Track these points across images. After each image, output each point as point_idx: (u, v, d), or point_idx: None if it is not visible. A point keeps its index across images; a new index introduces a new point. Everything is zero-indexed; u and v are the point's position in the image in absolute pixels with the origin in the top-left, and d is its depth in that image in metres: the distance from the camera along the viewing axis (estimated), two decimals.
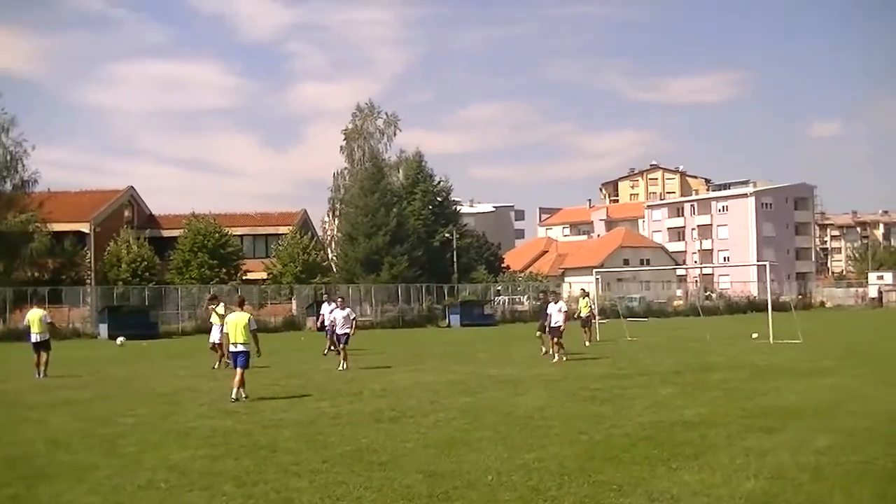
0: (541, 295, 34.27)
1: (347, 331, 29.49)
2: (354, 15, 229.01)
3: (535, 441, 14.03)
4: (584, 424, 15.61)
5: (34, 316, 29.08)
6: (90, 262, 78.61)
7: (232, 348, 21.26)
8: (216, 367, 29.84)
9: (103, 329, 59.82)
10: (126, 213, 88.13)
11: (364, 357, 33.41)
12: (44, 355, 28.47)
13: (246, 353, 20.94)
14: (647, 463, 12.23)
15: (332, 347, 33.31)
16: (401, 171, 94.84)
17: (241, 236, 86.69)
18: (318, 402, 19.75)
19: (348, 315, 29.87)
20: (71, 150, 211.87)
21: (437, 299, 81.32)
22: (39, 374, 27.92)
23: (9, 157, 70.64)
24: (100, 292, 70.07)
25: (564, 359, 30.41)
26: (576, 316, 41.54)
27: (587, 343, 39.45)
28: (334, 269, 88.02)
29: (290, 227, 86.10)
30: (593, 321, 42.43)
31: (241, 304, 22.20)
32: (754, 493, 10.50)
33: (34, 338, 28.69)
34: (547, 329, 32.03)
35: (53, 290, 66.89)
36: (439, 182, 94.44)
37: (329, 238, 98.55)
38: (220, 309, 30.91)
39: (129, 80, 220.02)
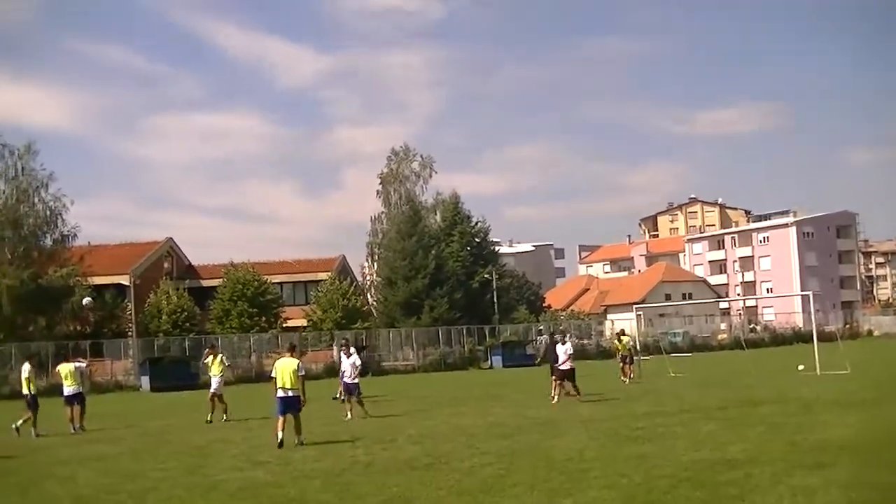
0: (548, 337, 33.39)
1: (357, 381, 28.35)
2: (386, 59, 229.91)
3: (573, 485, 13.46)
4: (623, 466, 15.02)
5: (65, 369, 29.02)
6: (131, 314, 78.74)
7: (281, 393, 21.16)
8: (209, 419, 29.19)
9: (145, 381, 59.70)
10: (165, 265, 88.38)
11: (399, 403, 32.94)
12: (77, 408, 28.38)
13: (298, 398, 21.14)
14: None
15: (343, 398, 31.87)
16: (438, 213, 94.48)
17: (281, 284, 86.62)
18: (353, 450, 19.26)
19: (354, 362, 28.37)
20: (112, 203, 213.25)
21: (478, 341, 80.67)
22: (74, 428, 27.74)
23: (48, 213, 70.89)
24: (141, 344, 69.94)
25: (575, 397, 30.22)
26: (619, 356, 42.33)
27: (627, 381, 38.91)
28: (374, 314, 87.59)
29: (329, 273, 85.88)
30: (635, 358, 41.77)
31: (291, 350, 22.41)
32: None
33: (67, 391, 28.57)
34: (553, 371, 31.45)
35: (95, 344, 66.98)
36: (477, 223, 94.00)
37: (368, 283, 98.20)
38: (216, 360, 30.70)
39: (169, 132, 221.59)
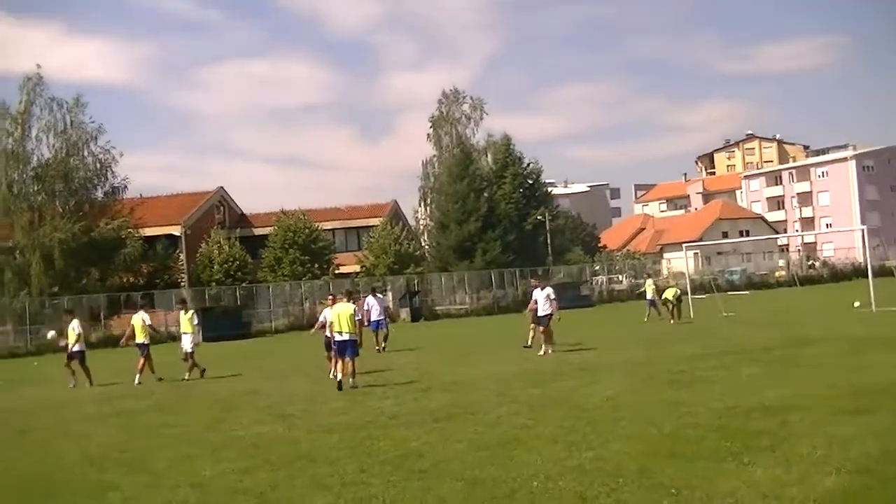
0: (533, 281, 31.63)
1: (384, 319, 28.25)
2: (439, 2, 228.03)
3: (597, 436, 12.79)
4: (654, 414, 14.30)
5: (137, 321, 29.07)
6: (183, 264, 78.88)
7: (337, 336, 21.99)
8: (187, 377, 28.09)
9: (199, 331, 59.55)
10: (217, 214, 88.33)
11: (445, 348, 32.49)
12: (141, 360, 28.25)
13: (354, 342, 21.93)
14: (716, 458, 10.92)
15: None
16: (489, 155, 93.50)
17: (333, 230, 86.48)
18: (382, 401, 18.71)
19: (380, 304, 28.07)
20: (166, 154, 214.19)
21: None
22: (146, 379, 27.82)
23: (98, 165, 70.88)
24: (193, 294, 70.06)
25: (550, 351, 27.53)
26: (647, 297, 43.31)
27: (672, 321, 38.30)
28: (428, 259, 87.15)
29: (381, 219, 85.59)
30: (683, 298, 41.06)
31: (347, 296, 23.58)
32: (833, 492, 9.15)
33: (139, 342, 28.76)
34: (532, 318, 29.30)
35: (147, 295, 67.11)
36: (529, 164, 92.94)
37: (422, 227, 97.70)
38: (190, 316, 29.13)
39: (222, 81, 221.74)
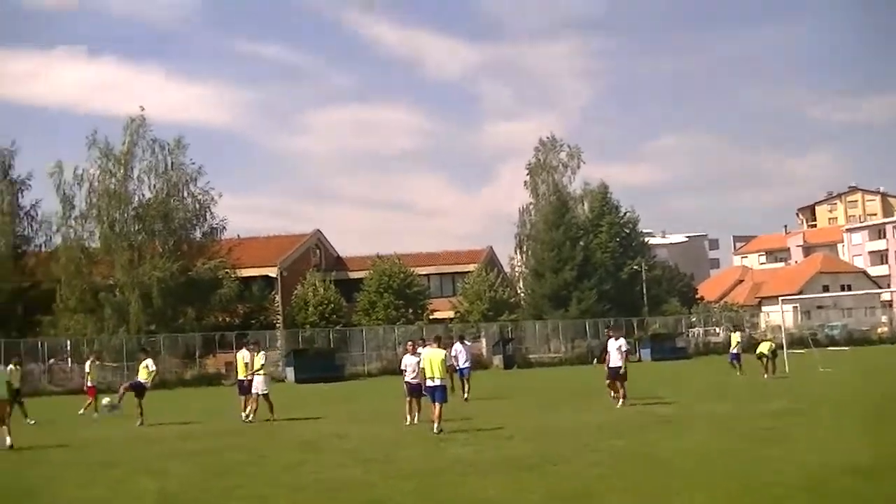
0: (607, 332, 30.43)
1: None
2: (539, 50, 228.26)
3: (674, 491, 12.39)
4: (737, 469, 13.89)
5: (241, 358, 28.79)
6: (278, 306, 79.49)
7: (429, 383, 22.24)
8: (250, 418, 27.43)
9: (290, 372, 59.96)
10: (313, 257, 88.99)
11: (536, 396, 32.15)
12: (251, 397, 28.06)
13: (444, 388, 22.39)
14: None
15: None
16: (586, 203, 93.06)
17: (428, 275, 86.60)
18: (463, 448, 18.50)
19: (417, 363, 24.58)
20: (263, 196, 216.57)
21: (626, 333, 79.36)
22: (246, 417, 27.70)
23: (197, 206, 71.95)
24: (287, 336, 70.56)
25: (619, 404, 26.68)
26: (732, 350, 41.99)
27: (766, 376, 37.48)
28: (522, 306, 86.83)
29: (476, 265, 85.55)
30: (778, 353, 40.15)
31: (437, 341, 23.99)
32: None
33: (241, 379, 28.63)
34: (606, 370, 28.00)
35: (241, 335, 67.62)
36: (626, 213, 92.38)
37: (517, 275, 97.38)
38: (251, 357, 28.34)
39: (321, 126, 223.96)
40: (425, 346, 25.52)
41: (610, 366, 27.58)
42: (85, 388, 34.90)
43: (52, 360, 60.80)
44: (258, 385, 27.71)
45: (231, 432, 24.50)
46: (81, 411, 32.26)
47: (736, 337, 42.80)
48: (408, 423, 23.35)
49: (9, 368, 31.68)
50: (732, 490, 12.35)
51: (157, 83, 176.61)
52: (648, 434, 19.49)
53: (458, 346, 35.17)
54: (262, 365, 28.00)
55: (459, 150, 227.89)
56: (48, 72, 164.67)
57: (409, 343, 25.82)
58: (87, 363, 34.88)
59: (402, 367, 25.20)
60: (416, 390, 23.73)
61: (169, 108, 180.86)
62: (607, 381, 27.91)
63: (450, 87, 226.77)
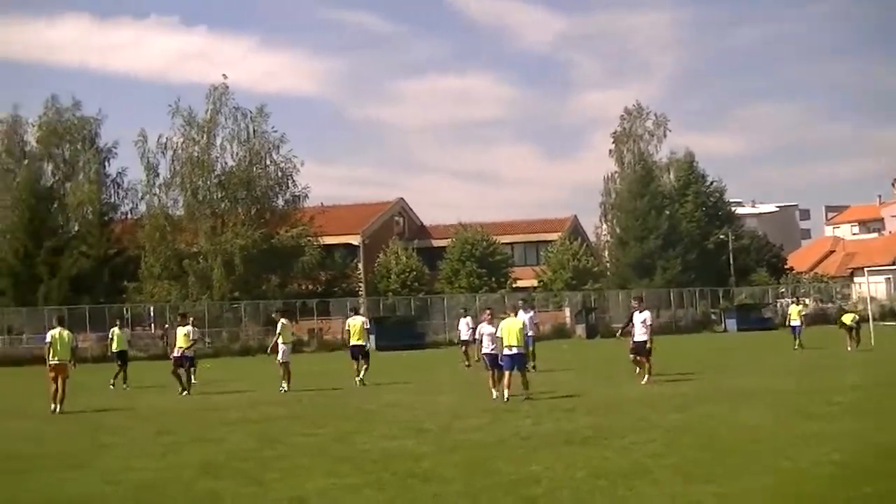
0: (633, 303, 28.44)
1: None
2: (629, 18, 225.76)
3: (726, 470, 11.94)
4: (795, 448, 13.32)
5: (356, 324, 29.17)
6: (361, 273, 79.72)
7: (507, 350, 21.96)
8: (285, 388, 27.31)
9: (371, 340, 59.95)
10: (396, 225, 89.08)
11: (609, 367, 31.74)
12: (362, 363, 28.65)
13: (523, 355, 22.60)
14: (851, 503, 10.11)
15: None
16: (671, 173, 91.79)
17: (512, 244, 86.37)
18: (522, 420, 18.17)
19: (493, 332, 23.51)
20: (348, 165, 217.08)
21: (711, 303, 78.64)
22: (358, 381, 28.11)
23: (279, 174, 72.35)
24: (368, 304, 70.70)
25: (644, 381, 25.25)
26: (787, 323, 41.59)
27: (849, 348, 36.60)
28: (607, 275, 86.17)
29: (560, 234, 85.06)
30: (862, 325, 39.17)
31: (514, 311, 23.93)
32: None
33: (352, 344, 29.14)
34: (631, 344, 26.54)
35: (322, 303, 68.04)
36: (712, 183, 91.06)
37: (602, 244, 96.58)
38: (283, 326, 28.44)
39: (409, 95, 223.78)
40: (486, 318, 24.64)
41: (635, 340, 26.18)
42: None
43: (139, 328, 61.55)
44: (282, 355, 27.88)
45: (296, 401, 24.42)
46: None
47: (796, 308, 41.73)
48: (495, 396, 22.35)
49: (113, 331, 32.19)
50: (783, 471, 11.87)
51: (244, 52, 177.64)
52: (709, 407, 18.96)
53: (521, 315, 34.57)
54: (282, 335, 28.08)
55: (547, 120, 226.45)
56: (139, 41, 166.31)
57: (487, 311, 24.91)
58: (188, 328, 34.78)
59: (478, 337, 24.85)
60: (496, 361, 22.90)
61: (256, 77, 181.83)
62: (631, 357, 26.52)
63: (538, 56, 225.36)
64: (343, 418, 19.83)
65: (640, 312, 26.32)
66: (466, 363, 35.63)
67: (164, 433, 18.16)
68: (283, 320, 28.98)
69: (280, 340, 28.01)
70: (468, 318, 37.49)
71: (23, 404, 26.81)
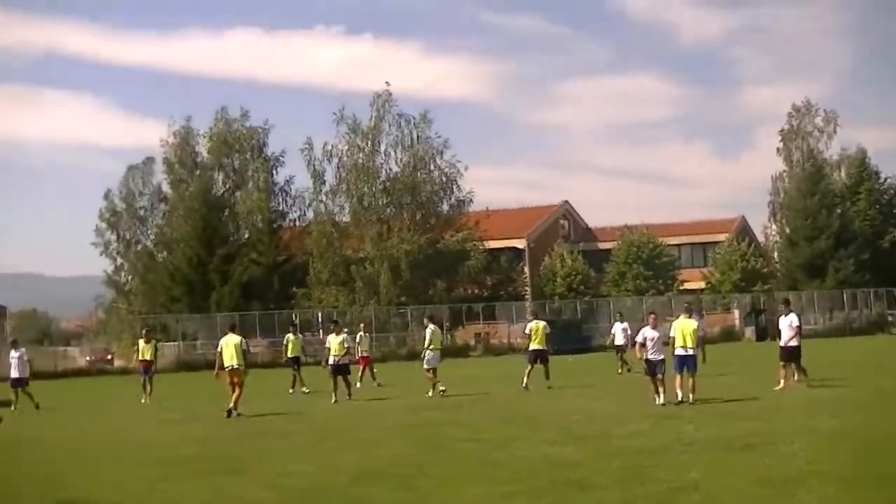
0: (781, 307, 26.83)
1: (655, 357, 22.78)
2: (797, 11, 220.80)
3: (885, 481, 11.56)
4: None
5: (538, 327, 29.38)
6: (526, 277, 79.69)
7: (680, 352, 21.95)
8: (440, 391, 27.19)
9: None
10: (561, 228, 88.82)
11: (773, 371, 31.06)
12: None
13: (694, 357, 22.09)
14: None
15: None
16: (843, 170, 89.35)
17: (679, 245, 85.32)
18: (685, 425, 17.88)
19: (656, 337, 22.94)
20: (513, 168, 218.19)
21: (888, 305, 76.30)
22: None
23: (444, 179, 72.82)
24: (534, 307, 70.59)
25: (792, 383, 24.47)
26: None
27: None
28: (777, 276, 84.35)
29: (728, 235, 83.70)
30: None
31: (688, 313, 23.52)
32: None
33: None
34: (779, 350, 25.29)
35: (488, 307, 68.27)
36: (886, 180, 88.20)
37: (771, 244, 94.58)
38: (338, 339, 28.44)
39: (575, 97, 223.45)
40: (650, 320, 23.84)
41: (781, 345, 25.14)
42: (357, 357, 34.92)
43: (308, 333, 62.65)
44: (434, 358, 28.13)
45: (458, 406, 24.46)
46: (358, 384, 32.56)
47: None
48: (658, 402, 21.83)
49: (288, 337, 32.86)
50: None
51: (409, 59, 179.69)
52: (870, 413, 18.54)
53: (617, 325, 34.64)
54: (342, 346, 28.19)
55: (713, 119, 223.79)
56: (305, 52, 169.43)
57: (651, 315, 23.97)
58: (359, 335, 35.12)
59: (639, 340, 23.10)
60: (657, 367, 22.33)
61: (421, 83, 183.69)
62: (781, 363, 25.14)
63: (704, 53, 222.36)
64: (505, 423, 19.80)
65: (786, 315, 25.43)
66: (623, 369, 35.10)
67: (325, 439, 18.44)
68: (431, 326, 29.07)
69: (430, 346, 28.21)
70: (624, 324, 36.64)
71: (194, 408, 27.61)
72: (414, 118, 71.84)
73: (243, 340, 24.31)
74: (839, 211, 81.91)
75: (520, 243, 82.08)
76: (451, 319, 66.53)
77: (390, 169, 72.22)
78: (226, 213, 75.34)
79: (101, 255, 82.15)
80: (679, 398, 21.37)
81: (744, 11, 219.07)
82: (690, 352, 21.87)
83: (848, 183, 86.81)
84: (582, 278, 76.27)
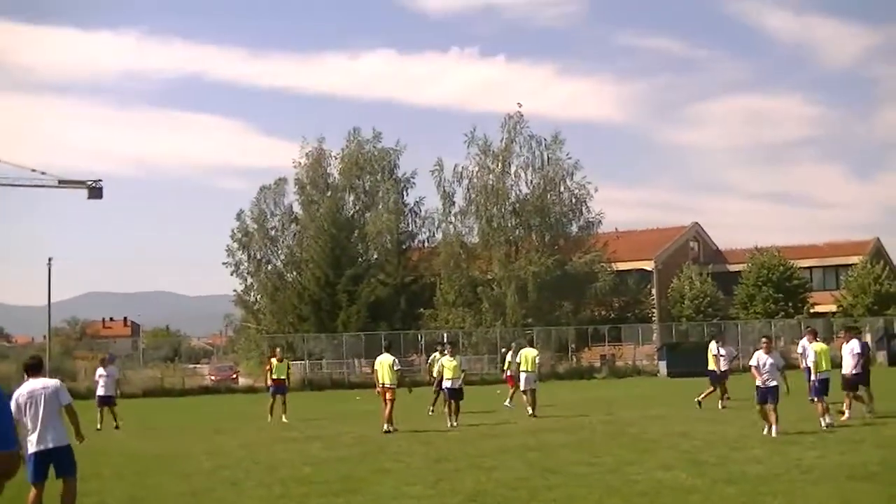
0: (841, 333, 25.60)
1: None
2: None
3: None
4: None
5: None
6: (654, 299, 79.12)
7: (759, 383, 21.27)
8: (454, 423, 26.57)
9: (662, 366, 59.69)
10: (691, 250, 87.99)
11: None
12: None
13: (776, 388, 21.12)
14: None
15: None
16: None
17: (810, 268, 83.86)
18: (805, 452, 17.60)
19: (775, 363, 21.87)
20: (644, 189, 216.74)
21: None
22: None
23: (573, 200, 72.80)
24: (661, 329, 70.19)
25: (843, 415, 23.36)
26: None
27: None
28: None
29: (862, 257, 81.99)
30: None
31: (814, 335, 24.69)
32: None
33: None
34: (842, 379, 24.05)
35: (614, 329, 67.98)
36: None
37: None
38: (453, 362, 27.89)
39: (710, 117, 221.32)
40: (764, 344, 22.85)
41: (844, 373, 24.05)
42: (504, 377, 36.38)
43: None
44: (529, 381, 29.56)
45: (579, 428, 24.43)
46: (507, 402, 32.88)
47: None
48: (764, 433, 20.82)
49: (434, 357, 32.62)
50: None
51: (542, 80, 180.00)
52: None
53: (804, 342, 31.08)
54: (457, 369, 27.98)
55: (852, 139, 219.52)
56: (440, 74, 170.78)
57: (764, 340, 22.56)
58: (510, 353, 34.85)
59: (753, 364, 21.74)
60: (764, 395, 21.19)
61: (554, 104, 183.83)
62: (845, 392, 24.12)
63: (843, 73, 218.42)
64: (622, 447, 19.67)
65: (847, 343, 24.32)
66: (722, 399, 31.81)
67: (442, 460, 18.52)
68: (526, 349, 30.58)
69: (527, 369, 29.75)
70: (718, 346, 33.52)
71: (317, 427, 27.89)
72: (545, 139, 72.13)
73: (395, 360, 25.59)
74: None
75: (648, 265, 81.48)
76: (577, 341, 66.45)
77: (520, 190, 72.52)
78: (355, 234, 76.22)
79: (231, 274, 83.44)
80: (773, 433, 20.35)
81: (883, 30, 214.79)
82: (823, 375, 22.04)
83: None
84: (710, 300, 75.43)
